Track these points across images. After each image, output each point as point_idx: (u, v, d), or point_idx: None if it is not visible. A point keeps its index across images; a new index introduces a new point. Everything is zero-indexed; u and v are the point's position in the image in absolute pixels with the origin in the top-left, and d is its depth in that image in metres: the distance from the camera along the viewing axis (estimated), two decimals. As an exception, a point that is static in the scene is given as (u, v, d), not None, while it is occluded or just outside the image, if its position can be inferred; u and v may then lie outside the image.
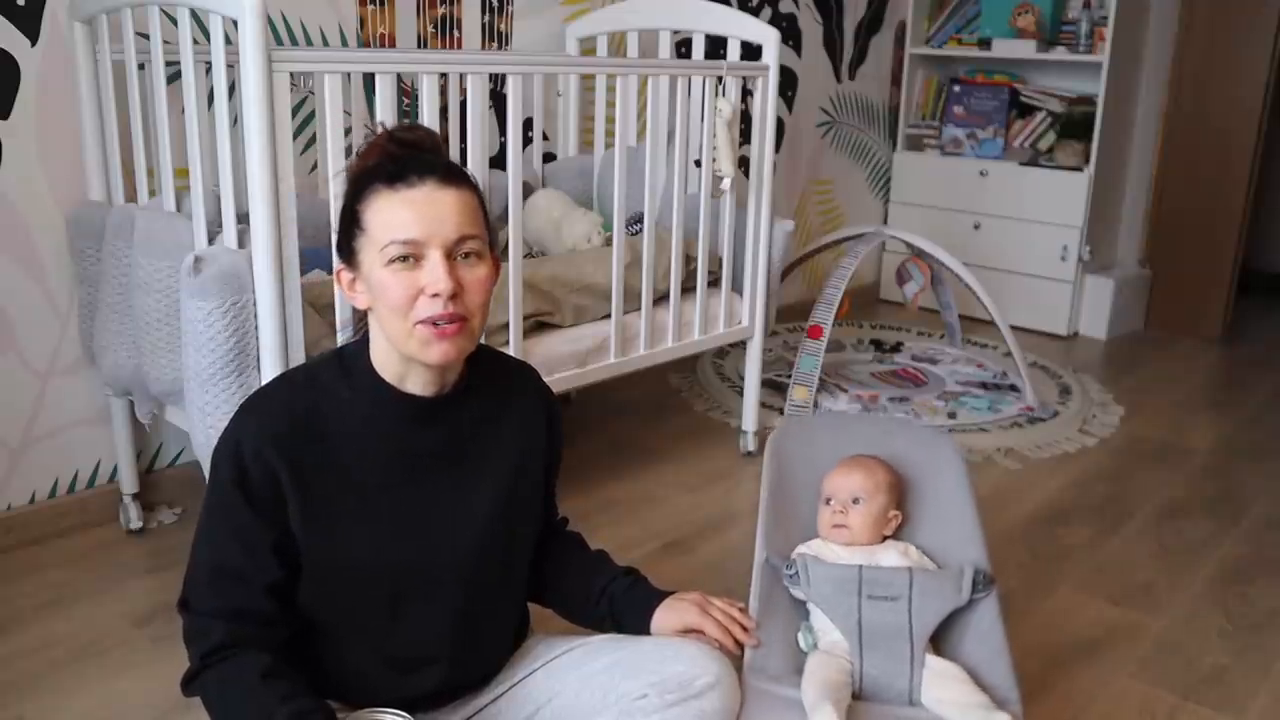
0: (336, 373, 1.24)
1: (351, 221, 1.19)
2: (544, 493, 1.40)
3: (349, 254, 1.20)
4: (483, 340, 2.05)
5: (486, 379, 1.31)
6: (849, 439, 1.79)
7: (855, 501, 1.64)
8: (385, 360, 1.23)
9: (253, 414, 1.21)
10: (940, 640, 1.52)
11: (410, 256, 1.15)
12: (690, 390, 3.37)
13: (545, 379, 1.44)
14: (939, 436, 1.82)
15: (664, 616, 1.37)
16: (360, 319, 1.27)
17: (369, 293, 1.19)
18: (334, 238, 1.26)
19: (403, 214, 1.15)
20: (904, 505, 1.71)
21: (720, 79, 2.54)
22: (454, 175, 1.18)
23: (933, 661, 1.45)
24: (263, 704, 1.13)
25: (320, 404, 1.21)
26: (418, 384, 1.23)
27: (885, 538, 1.67)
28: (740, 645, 1.38)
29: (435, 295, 1.14)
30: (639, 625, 1.37)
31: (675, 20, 2.88)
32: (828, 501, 1.67)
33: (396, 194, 1.15)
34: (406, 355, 1.20)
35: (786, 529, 1.68)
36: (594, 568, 1.46)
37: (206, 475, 1.27)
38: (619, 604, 1.40)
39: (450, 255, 1.16)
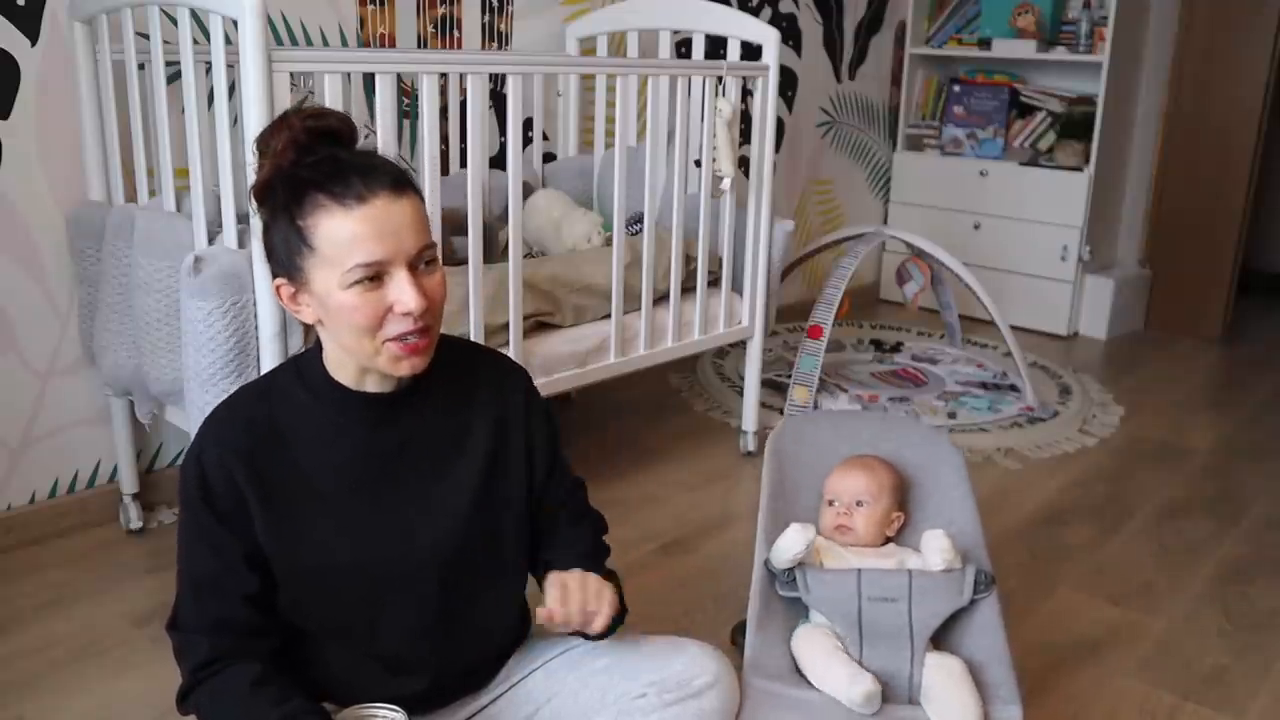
0: (293, 379, 1.23)
1: (295, 236, 1.12)
2: (547, 472, 1.34)
3: (293, 270, 1.14)
4: (482, 342, 2.06)
5: (450, 370, 1.27)
6: (848, 438, 1.79)
7: (859, 504, 1.64)
8: (339, 365, 1.21)
9: (212, 427, 1.20)
10: (941, 639, 1.53)
11: (373, 277, 1.11)
12: (690, 390, 3.37)
13: (545, 379, 1.43)
14: (937, 435, 1.82)
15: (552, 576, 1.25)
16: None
17: (319, 309, 1.15)
18: (258, 244, 1.17)
19: (361, 233, 1.10)
20: (905, 506, 1.71)
21: (720, 79, 2.54)
22: (401, 183, 1.14)
23: (933, 658, 1.45)
24: (255, 712, 1.13)
25: (278, 411, 1.20)
26: (376, 384, 1.22)
27: (888, 539, 1.67)
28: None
29: (407, 313, 1.13)
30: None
31: (675, 20, 2.88)
32: (831, 503, 1.66)
33: (350, 212, 1.10)
34: (371, 369, 1.19)
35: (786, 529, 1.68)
36: (567, 546, 1.36)
37: None
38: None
39: (413, 268, 1.14)
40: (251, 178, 1.18)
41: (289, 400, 1.21)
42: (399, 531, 1.23)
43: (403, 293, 1.12)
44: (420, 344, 1.16)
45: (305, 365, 1.24)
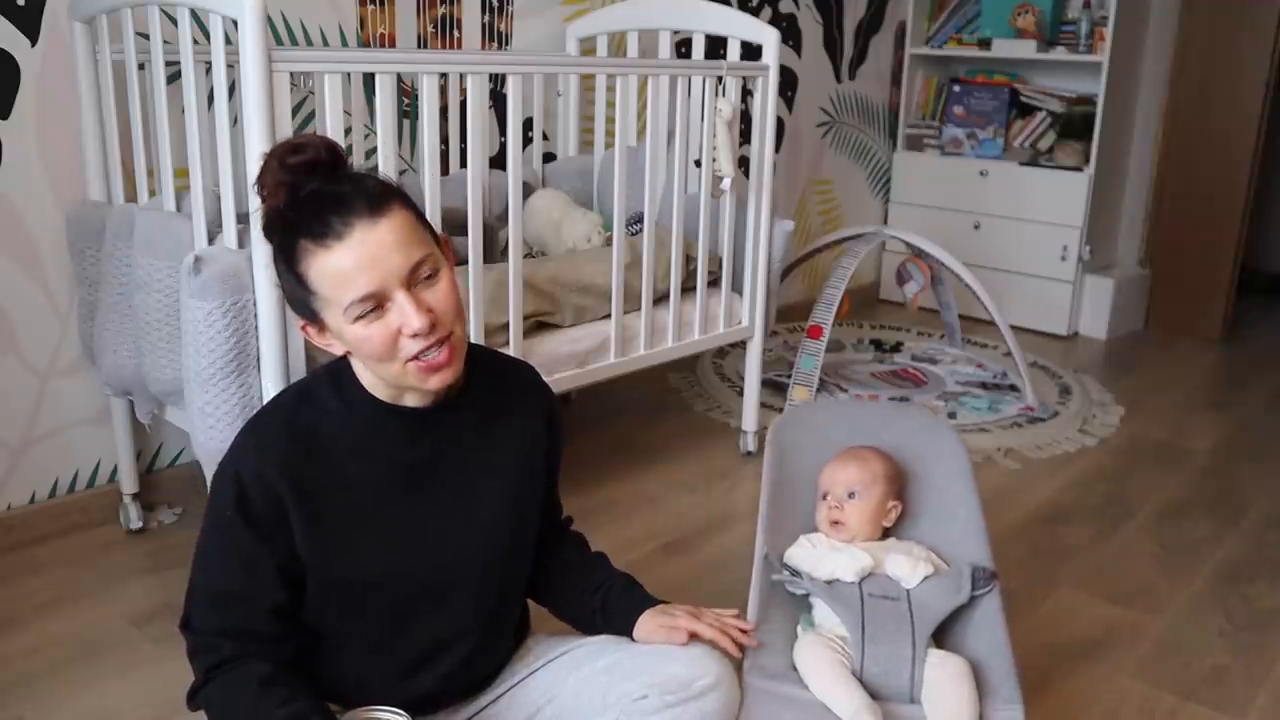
0: (330, 390, 1.23)
1: (295, 283, 1.13)
2: (546, 491, 1.39)
3: (309, 313, 1.16)
4: (482, 342, 2.06)
5: (483, 381, 1.30)
6: (849, 428, 1.78)
7: (851, 496, 1.63)
8: (376, 384, 1.22)
9: (250, 438, 1.19)
10: (944, 636, 1.52)
11: (374, 307, 1.11)
12: (690, 390, 3.37)
13: (545, 379, 1.43)
14: (939, 424, 1.81)
15: (652, 618, 1.34)
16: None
17: (343, 343, 1.16)
18: (279, 289, 1.19)
19: (346, 269, 1.09)
20: (904, 495, 1.70)
21: (720, 79, 2.54)
22: (376, 200, 1.11)
23: (935, 656, 1.44)
24: (261, 710, 1.13)
25: (318, 422, 1.21)
26: (414, 399, 1.23)
27: (885, 530, 1.66)
28: (740, 648, 1.36)
29: (415, 335, 1.12)
30: (625, 625, 1.35)
31: (675, 20, 2.88)
32: (824, 496, 1.66)
33: (331, 251, 1.09)
34: (405, 387, 1.19)
35: (788, 521, 1.68)
36: (592, 568, 1.45)
37: (207, 478, 1.26)
38: (611, 602, 1.39)
39: (410, 285, 1.12)
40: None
41: (326, 411, 1.22)
42: (432, 543, 1.24)
43: (405, 315, 1.12)
44: (441, 359, 1.15)
45: (341, 377, 1.24)
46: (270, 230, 1.15)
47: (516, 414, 1.33)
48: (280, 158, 1.12)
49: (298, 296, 1.15)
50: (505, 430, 1.31)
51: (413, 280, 1.13)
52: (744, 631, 1.38)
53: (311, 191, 1.12)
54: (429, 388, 1.17)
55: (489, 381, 1.31)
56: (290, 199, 1.12)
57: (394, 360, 1.14)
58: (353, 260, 1.09)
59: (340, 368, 1.25)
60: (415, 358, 1.14)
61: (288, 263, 1.13)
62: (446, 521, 1.25)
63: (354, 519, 1.20)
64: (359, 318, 1.11)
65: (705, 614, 1.36)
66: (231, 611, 1.18)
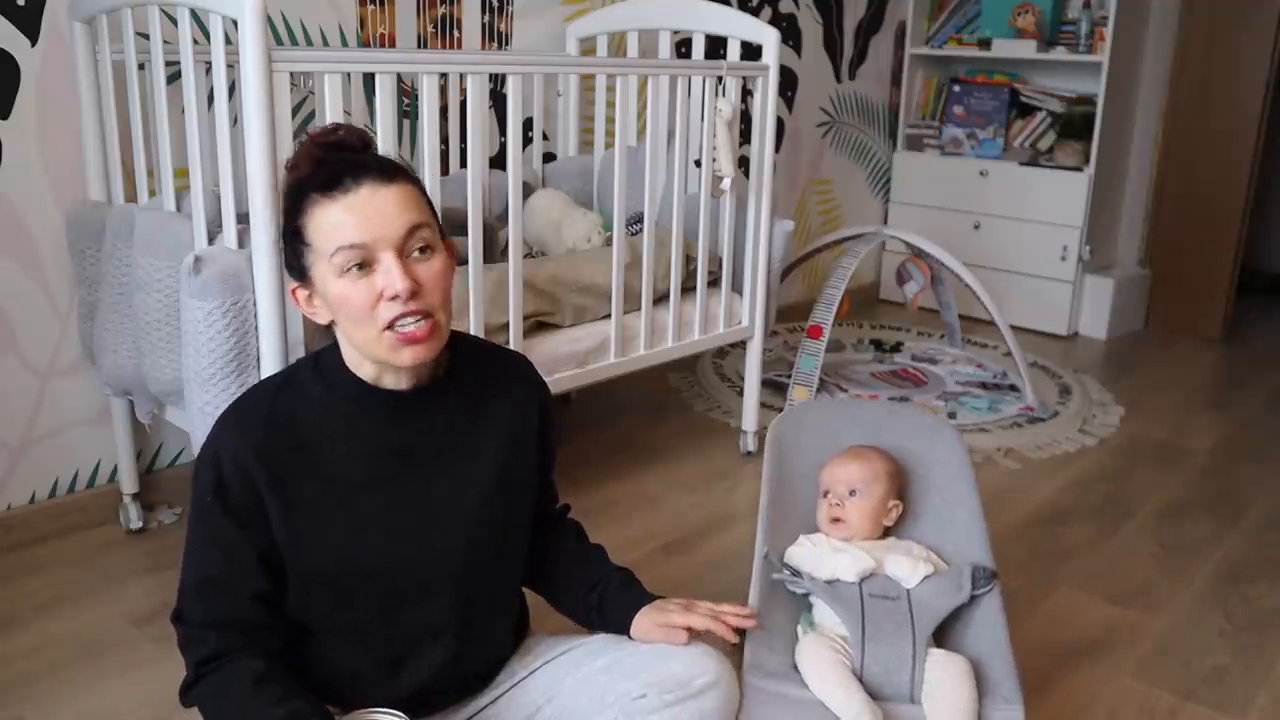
0: (312, 375, 1.23)
1: (296, 237, 1.17)
2: (539, 482, 1.39)
3: (300, 271, 1.19)
4: (482, 338, 2.06)
5: (470, 369, 1.29)
6: (850, 427, 1.78)
7: (852, 493, 1.63)
8: (358, 363, 1.22)
9: (229, 424, 1.20)
10: (944, 635, 1.52)
11: (362, 263, 1.13)
12: (690, 390, 3.37)
13: (545, 379, 1.43)
14: (940, 425, 1.81)
15: (648, 615, 1.34)
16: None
17: (327, 307, 1.18)
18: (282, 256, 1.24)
19: (344, 219, 1.12)
20: (905, 495, 1.70)
21: (720, 79, 2.54)
22: (391, 171, 1.16)
23: (936, 655, 1.44)
24: (256, 710, 1.13)
25: (297, 408, 1.21)
26: (394, 380, 1.23)
27: (886, 530, 1.66)
28: (739, 633, 1.34)
29: (394, 297, 1.13)
30: (621, 623, 1.35)
31: (675, 20, 2.88)
32: (825, 494, 1.66)
33: (335, 201, 1.13)
34: (378, 361, 1.19)
35: (788, 520, 1.68)
36: (590, 561, 1.44)
37: None
38: (608, 600, 1.38)
39: (402, 253, 1.14)
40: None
41: (307, 395, 1.22)
42: (416, 530, 1.24)
43: (390, 277, 1.13)
44: (418, 332, 1.15)
45: (324, 360, 1.24)
46: (288, 194, 1.19)
47: (506, 401, 1.32)
48: (315, 138, 1.19)
49: (294, 252, 1.18)
50: (492, 418, 1.30)
51: (406, 249, 1.15)
52: (744, 617, 1.35)
53: (335, 160, 1.17)
54: (400, 362, 1.17)
55: (478, 369, 1.31)
56: (313, 169, 1.17)
57: (370, 325, 1.14)
58: (352, 212, 1.13)
59: (323, 353, 1.25)
60: (392, 325, 1.14)
61: (293, 219, 1.17)
62: (431, 505, 1.25)
63: (334, 503, 1.20)
64: (344, 272, 1.13)
65: (699, 605, 1.35)
66: (213, 600, 1.18)
